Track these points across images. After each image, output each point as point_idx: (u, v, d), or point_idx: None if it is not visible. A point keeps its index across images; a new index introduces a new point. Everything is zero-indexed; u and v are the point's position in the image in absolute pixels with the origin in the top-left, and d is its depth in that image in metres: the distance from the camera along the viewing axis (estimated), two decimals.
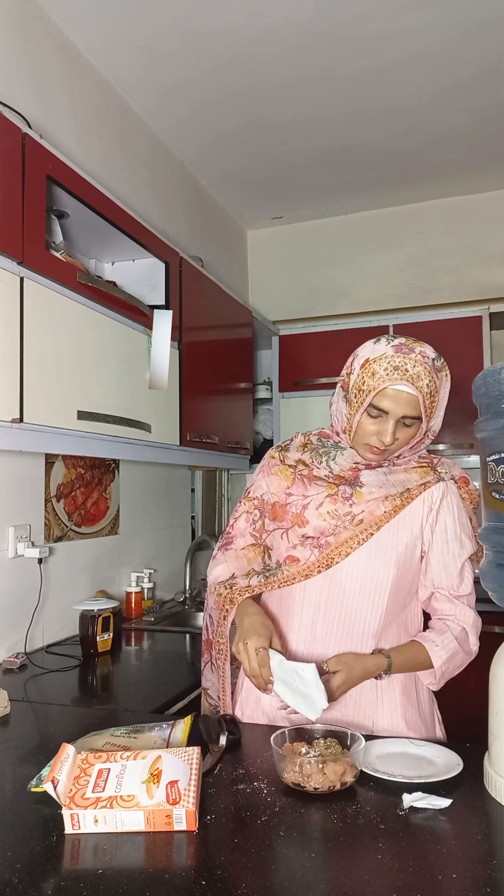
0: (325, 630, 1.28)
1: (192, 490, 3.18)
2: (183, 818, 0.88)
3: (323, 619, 1.28)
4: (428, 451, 1.38)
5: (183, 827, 0.88)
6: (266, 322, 3.22)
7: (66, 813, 0.89)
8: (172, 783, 0.91)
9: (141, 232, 2.03)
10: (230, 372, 2.76)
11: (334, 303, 3.60)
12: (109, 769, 0.94)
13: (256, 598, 1.35)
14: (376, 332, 3.17)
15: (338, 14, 2.14)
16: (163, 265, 2.18)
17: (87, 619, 1.94)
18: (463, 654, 1.27)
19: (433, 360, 1.22)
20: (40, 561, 1.98)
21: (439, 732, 1.37)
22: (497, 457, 1.02)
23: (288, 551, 1.30)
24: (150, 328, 2.00)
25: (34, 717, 1.41)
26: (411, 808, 0.95)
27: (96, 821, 0.88)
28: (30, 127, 1.60)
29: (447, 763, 1.07)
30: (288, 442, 1.42)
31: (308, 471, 1.32)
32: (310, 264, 3.68)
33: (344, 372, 1.30)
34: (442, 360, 1.25)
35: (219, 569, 1.38)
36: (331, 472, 1.30)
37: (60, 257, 1.66)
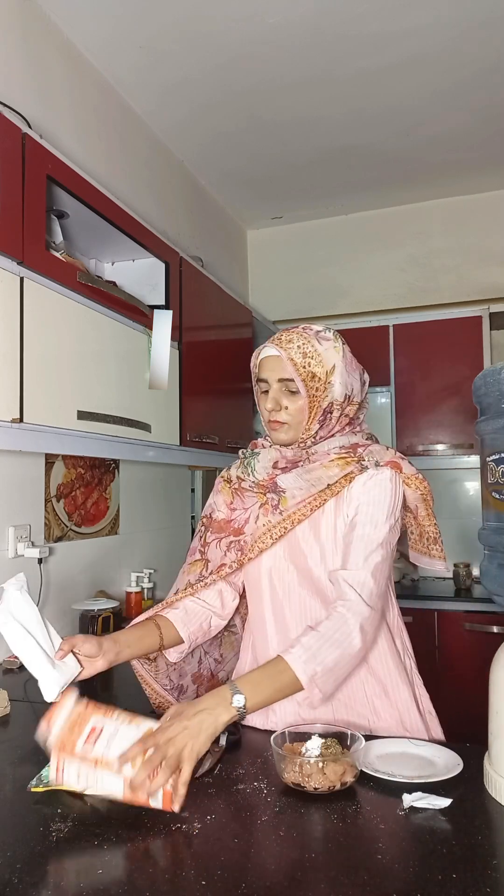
0: (297, 619, 1.26)
1: (192, 490, 3.18)
2: (160, 797, 0.88)
3: (284, 613, 1.28)
4: (362, 440, 1.31)
5: (159, 805, 0.89)
6: (266, 322, 3.22)
7: (52, 760, 0.92)
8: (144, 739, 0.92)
9: (141, 232, 2.03)
10: (230, 372, 2.76)
11: (334, 303, 3.60)
12: (103, 728, 0.95)
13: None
14: (376, 332, 3.21)
15: (338, 14, 2.14)
16: (163, 265, 2.18)
17: (87, 619, 1.93)
18: (341, 653, 1.09)
19: (317, 331, 1.24)
20: (40, 561, 1.98)
21: (432, 730, 1.33)
22: (497, 457, 1.02)
23: (220, 559, 1.32)
24: (150, 328, 2.00)
25: (34, 717, 1.41)
26: (411, 808, 0.95)
27: (78, 776, 0.90)
28: (30, 127, 1.60)
29: (447, 763, 1.07)
30: (235, 460, 1.42)
31: (239, 483, 1.34)
32: (310, 264, 3.68)
33: None
34: (332, 332, 1.26)
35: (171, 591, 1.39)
36: (254, 481, 1.30)
37: (60, 257, 1.66)
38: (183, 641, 1.30)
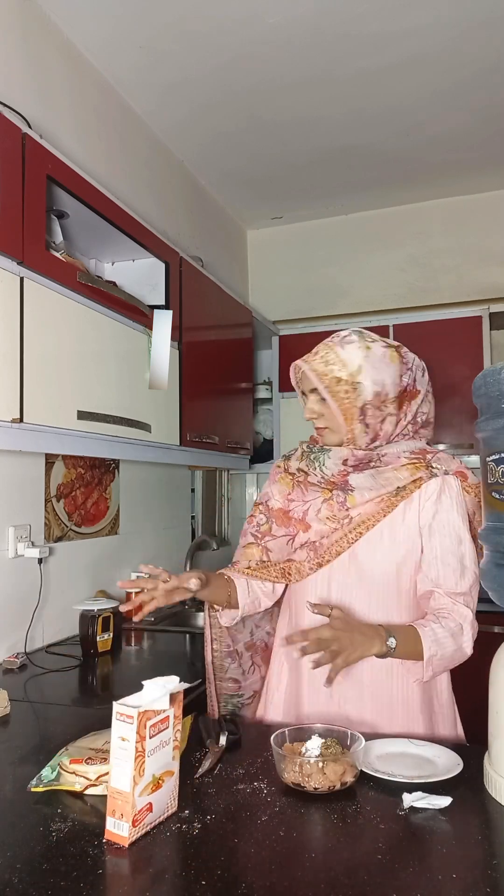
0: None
1: (192, 490, 3.17)
2: (124, 829, 0.87)
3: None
4: (428, 446, 1.38)
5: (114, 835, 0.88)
6: (266, 322, 3.22)
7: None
8: (149, 807, 0.90)
9: (141, 232, 2.03)
10: (230, 372, 2.76)
11: (334, 303, 3.60)
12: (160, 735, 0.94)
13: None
14: (376, 332, 3.19)
15: (338, 14, 2.14)
16: (163, 265, 2.18)
17: (87, 619, 1.93)
18: (456, 648, 1.22)
19: (343, 337, 1.30)
20: (40, 561, 1.98)
21: (458, 730, 1.37)
22: (497, 457, 1.02)
23: (289, 555, 1.38)
24: (150, 328, 2.00)
25: (34, 717, 1.41)
26: (411, 808, 0.95)
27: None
28: (30, 127, 1.60)
29: (447, 763, 1.07)
30: (292, 452, 1.49)
31: (304, 478, 1.38)
32: (310, 264, 3.68)
33: None
34: (358, 334, 1.31)
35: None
36: (323, 476, 1.34)
37: (60, 257, 1.66)
38: (237, 609, 1.38)
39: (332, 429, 1.32)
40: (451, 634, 1.21)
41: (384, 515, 1.28)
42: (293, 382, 1.38)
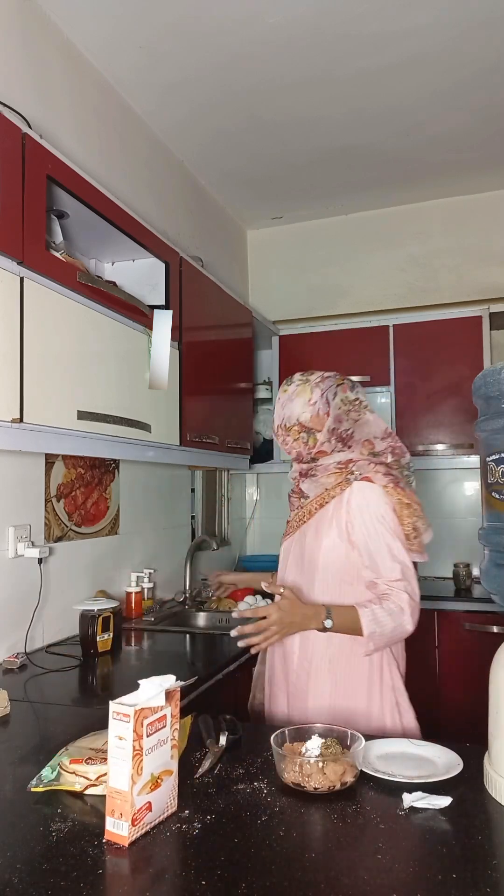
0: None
1: (192, 490, 3.17)
2: (124, 829, 0.87)
3: (286, 580, 1.61)
4: (358, 456, 1.57)
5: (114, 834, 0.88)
6: (266, 322, 3.22)
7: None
8: (148, 806, 0.90)
9: (141, 232, 2.03)
10: (230, 372, 2.76)
11: (334, 303, 3.60)
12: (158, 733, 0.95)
13: None
14: (376, 332, 3.21)
15: (338, 14, 2.14)
16: (163, 265, 2.18)
17: (87, 619, 1.93)
18: (395, 626, 1.39)
19: (296, 383, 1.59)
20: (40, 561, 1.98)
21: (391, 720, 1.48)
22: (497, 457, 1.02)
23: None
24: (150, 328, 2.00)
25: (34, 717, 1.41)
26: (411, 808, 0.95)
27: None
28: (30, 127, 1.60)
29: (447, 763, 1.07)
30: None
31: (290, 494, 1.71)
32: (310, 264, 3.68)
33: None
34: (306, 375, 1.59)
35: None
36: (291, 488, 1.66)
37: (60, 257, 1.66)
38: None
39: (299, 455, 1.62)
40: (390, 614, 1.39)
41: (318, 509, 1.55)
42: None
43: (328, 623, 1.38)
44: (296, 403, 1.56)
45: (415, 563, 1.47)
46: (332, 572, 1.51)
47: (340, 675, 1.48)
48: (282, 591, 1.41)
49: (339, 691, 1.48)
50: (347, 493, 1.50)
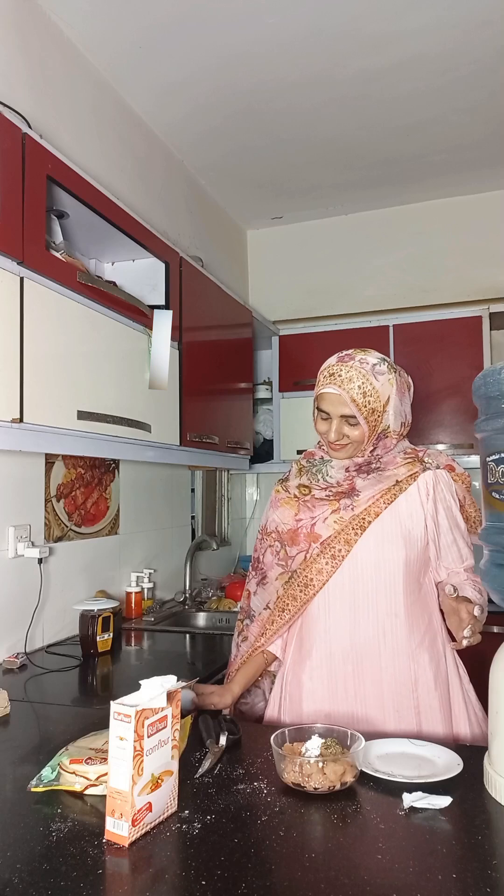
0: (358, 614, 1.39)
1: (192, 490, 3.17)
2: (124, 829, 0.87)
3: (351, 605, 1.39)
4: (415, 446, 1.49)
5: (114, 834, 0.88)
6: (266, 322, 3.22)
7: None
8: (148, 807, 0.90)
9: (141, 232, 2.03)
10: (230, 372, 2.76)
11: (334, 303, 3.60)
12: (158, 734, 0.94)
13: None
14: (376, 332, 3.21)
15: (338, 14, 2.14)
16: (163, 265, 2.18)
17: (87, 619, 1.93)
18: (482, 602, 1.31)
19: (373, 365, 1.37)
20: (40, 561, 1.98)
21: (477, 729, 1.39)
22: (497, 457, 1.02)
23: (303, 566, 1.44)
24: (150, 328, 2.00)
25: (34, 717, 1.41)
26: (411, 808, 0.95)
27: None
28: (30, 127, 1.60)
29: (447, 763, 1.07)
30: (287, 473, 1.55)
31: (310, 494, 1.45)
32: (310, 264, 3.68)
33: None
34: (387, 363, 1.40)
35: (254, 600, 1.53)
36: (329, 486, 1.43)
37: (60, 257, 1.66)
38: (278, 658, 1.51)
39: (351, 446, 1.41)
40: (480, 591, 1.36)
41: (386, 506, 1.38)
42: (315, 391, 1.42)
43: (477, 597, 1.31)
44: (407, 399, 1.44)
45: None
46: (404, 574, 1.38)
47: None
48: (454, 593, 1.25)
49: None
50: (430, 482, 1.40)
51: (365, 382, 1.35)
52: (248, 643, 1.49)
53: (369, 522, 1.37)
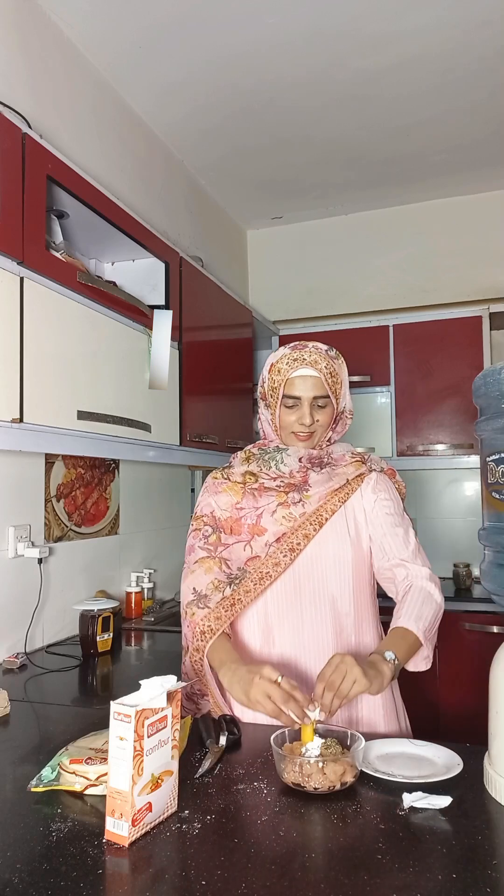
0: (309, 613, 1.36)
1: (192, 490, 3.17)
2: (124, 829, 0.87)
3: (302, 604, 1.36)
4: (362, 449, 1.53)
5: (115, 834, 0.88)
6: (266, 322, 3.22)
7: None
8: (148, 807, 0.90)
9: (141, 232, 2.03)
10: (230, 372, 2.76)
11: (334, 303, 3.60)
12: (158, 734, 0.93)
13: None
14: (376, 332, 3.21)
15: (338, 14, 2.14)
16: (163, 265, 2.18)
17: (87, 619, 1.93)
18: (434, 608, 1.30)
19: (326, 350, 1.41)
20: (40, 561, 1.98)
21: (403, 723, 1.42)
22: (497, 457, 1.02)
23: (248, 560, 1.38)
24: (150, 328, 2.00)
25: (34, 717, 1.41)
26: (411, 808, 0.95)
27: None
28: (30, 127, 1.60)
29: (447, 763, 1.07)
30: (228, 464, 1.52)
31: (258, 483, 1.43)
32: (310, 264, 3.68)
33: (258, 388, 1.49)
34: (335, 350, 1.43)
35: (183, 587, 1.41)
36: (280, 476, 1.42)
37: (60, 257, 1.66)
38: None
39: (317, 434, 1.43)
40: (424, 602, 1.28)
41: (341, 504, 1.39)
42: (273, 382, 1.41)
43: (390, 655, 1.18)
44: (339, 363, 1.43)
45: None
46: (360, 571, 1.39)
47: None
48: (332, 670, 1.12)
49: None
50: (373, 482, 1.43)
51: (329, 363, 1.39)
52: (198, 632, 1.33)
53: (326, 519, 1.37)
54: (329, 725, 1.13)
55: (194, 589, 1.35)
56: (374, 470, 1.46)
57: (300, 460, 1.43)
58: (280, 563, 1.35)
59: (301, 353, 1.39)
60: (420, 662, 1.29)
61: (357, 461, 1.44)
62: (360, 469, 1.43)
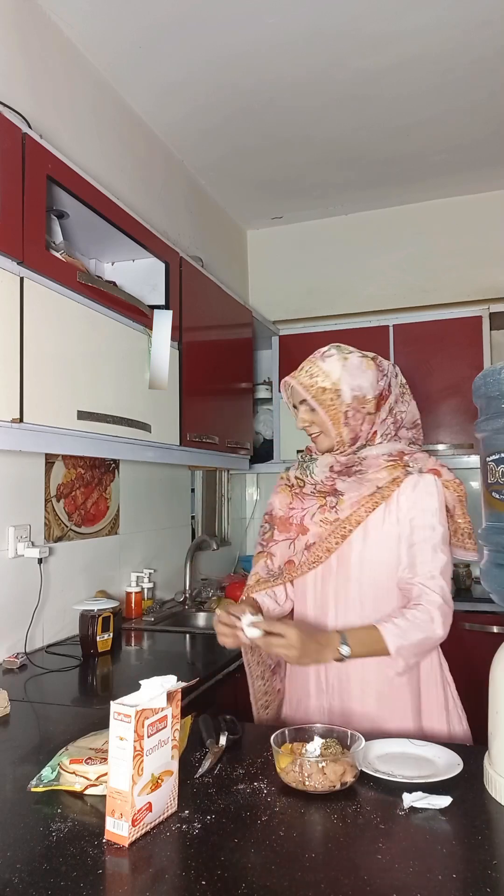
0: (341, 617, 1.40)
1: (192, 490, 3.17)
2: (124, 829, 0.87)
3: (334, 608, 1.41)
4: (408, 447, 1.46)
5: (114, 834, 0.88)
6: (266, 322, 3.22)
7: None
8: (148, 807, 0.90)
9: (141, 232, 2.03)
10: (230, 372, 2.76)
11: (334, 303, 3.60)
12: (158, 734, 0.94)
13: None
14: (376, 332, 3.21)
15: (338, 14, 2.14)
16: (163, 265, 2.18)
17: (87, 619, 1.93)
18: (424, 637, 1.29)
19: (322, 352, 1.43)
20: (40, 561, 1.98)
21: (458, 726, 1.41)
22: (497, 457, 1.02)
23: (289, 557, 1.48)
24: (150, 328, 2.00)
25: (34, 717, 1.41)
26: (411, 808, 0.95)
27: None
28: (30, 127, 1.60)
29: (447, 763, 1.07)
30: (293, 464, 1.60)
31: (300, 489, 1.50)
32: (310, 264, 3.68)
33: None
34: (337, 348, 1.42)
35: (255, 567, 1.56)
36: (314, 485, 1.46)
37: (60, 257, 1.66)
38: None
39: (324, 433, 1.43)
40: (418, 625, 1.28)
41: (367, 514, 1.37)
42: (284, 399, 1.50)
43: (345, 650, 1.24)
44: (368, 376, 1.39)
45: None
46: (385, 585, 1.37)
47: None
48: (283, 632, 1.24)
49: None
50: (409, 487, 1.36)
51: (312, 366, 1.41)
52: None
53: (358, 523, 1.37)
54: (330, 725, 1.13)
55: (255, 574, 1.53)
56: (412, 472, 1.38)
57: (330, 469, 1.44)
58: (301, 570, 1.44)
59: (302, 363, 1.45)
60: (391, 664, 1.30)
61: (391, 465, 1.38)
62: (395, 473, 1.37)
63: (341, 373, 1.38)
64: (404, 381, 1.48)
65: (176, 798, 0.96)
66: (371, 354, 1.44)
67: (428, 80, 2.49)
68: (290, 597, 1.53)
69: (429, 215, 3.47)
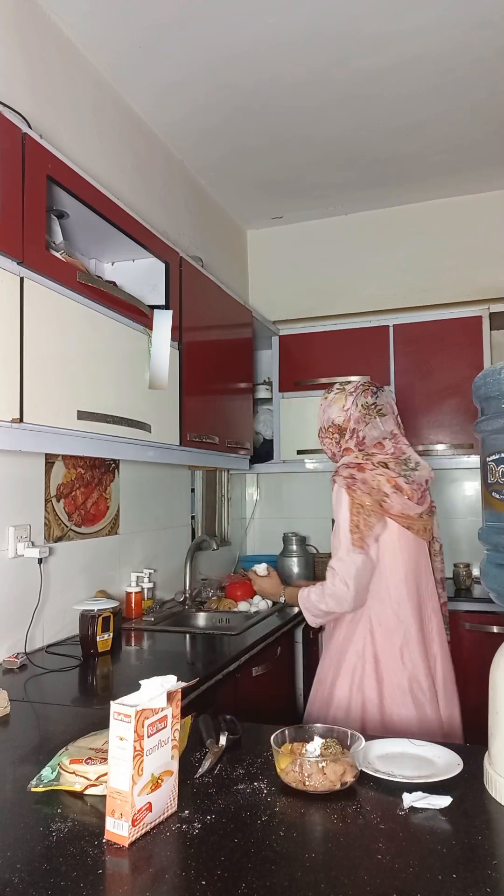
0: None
1: (192, 490, 3.17)
2: (124, 829, 0.87)
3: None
4: (353, 459, 1.83)
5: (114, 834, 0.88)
6: (266, 322, 3.22)
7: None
8: (149, 807, 0.90)
9: (141, 232, 2.03)
10: (230, 372, 2.76)
11: (334, 303, 3.60)
12: (159, 734, 0.94)
13: None
14: (376, 332, 3.21)
15: (338, 14, 2.14)
16: (163, 265, 2.18)
17: (87, 619, 1.93)
18: (318, 600, 1.73)
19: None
20: (40, 561, 1.98)
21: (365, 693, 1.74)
22: (497, 457, 1.02)
23: None
24: (150, 328, 2.00)
25: (34, 717, 1.41)
26: (411, 808, 0.95)
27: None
28: (30, 127, 1.60)
29: (447, 763, 1.07)
30: None
31: None
32: (310, 264, 3.68)
33: None
34: (328, 391, 1.92)
35: None
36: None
37: (60, 257, 1.66)
38: None
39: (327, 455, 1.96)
40: (319, 594, 1.73)
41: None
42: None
43: (281, 599, 2.00)
44: (333, 408, 1.86)
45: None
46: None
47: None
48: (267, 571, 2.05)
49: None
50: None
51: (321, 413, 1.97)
52: None
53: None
54: (330, 726, 1.13)
55: None
56: (335, 481, 1.76)
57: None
58: None
59: None
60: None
61: (336, 473, 1.78)
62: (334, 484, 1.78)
63: (319, 409, 1.90)
64: (371, 401, 1.82)
65: (176, 798, 0.96)
66: (350, 386, 1.87)
67: (428, 80, 2.49)
68: None
69: (429, 215, 3.47)
